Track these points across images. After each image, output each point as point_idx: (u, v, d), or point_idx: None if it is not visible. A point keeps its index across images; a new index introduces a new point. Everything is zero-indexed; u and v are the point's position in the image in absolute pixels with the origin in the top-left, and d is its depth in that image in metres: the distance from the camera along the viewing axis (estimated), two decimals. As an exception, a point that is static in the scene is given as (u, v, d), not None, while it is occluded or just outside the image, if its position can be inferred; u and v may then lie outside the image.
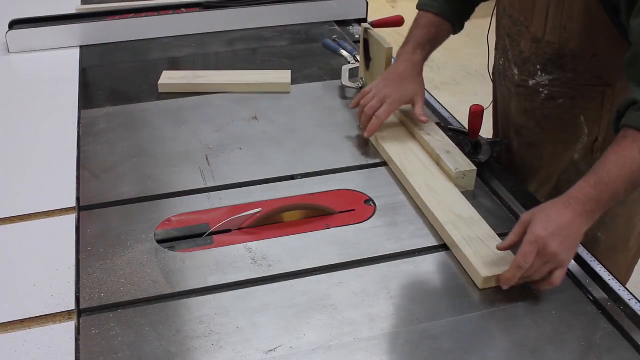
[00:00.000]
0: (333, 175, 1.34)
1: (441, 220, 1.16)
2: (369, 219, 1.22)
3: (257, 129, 1.51)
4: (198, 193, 1.29)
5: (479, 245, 1.10)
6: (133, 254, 1.12)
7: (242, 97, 1.65)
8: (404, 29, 1.80)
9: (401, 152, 1.36)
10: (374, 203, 1.26)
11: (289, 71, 1.72)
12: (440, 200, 1.22)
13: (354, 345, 0.96)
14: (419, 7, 1.51)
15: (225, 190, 1.29)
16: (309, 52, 1.90)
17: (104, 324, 0.99)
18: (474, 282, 1.07)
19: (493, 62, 1.58)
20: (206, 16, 2.04)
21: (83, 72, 1.81)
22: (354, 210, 1.24)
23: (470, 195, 1.27)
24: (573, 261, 1.11)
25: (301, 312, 1.02)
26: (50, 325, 0.99)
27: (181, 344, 0.96)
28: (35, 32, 1.91)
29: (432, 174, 1.29)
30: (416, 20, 1.50)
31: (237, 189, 1.30)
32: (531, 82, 1.38)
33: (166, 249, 1.14)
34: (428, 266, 1.11)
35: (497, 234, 1.17)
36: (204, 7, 2.06)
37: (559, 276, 1.02)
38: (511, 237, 1.06)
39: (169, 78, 1.71)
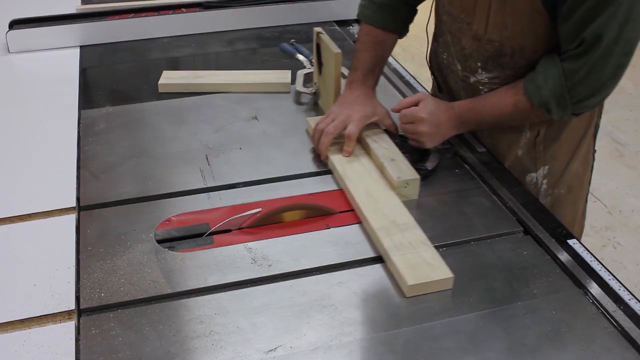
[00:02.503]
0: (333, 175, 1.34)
1: (374, 226, 1.15)
2: (369, 219, 1.22)
3: (257, 129, 1.51)
4: (198, 193, 1.29)
5: (410, 252, 1.09)
6: (133, 254, 1.12)
7: (242, 97, 1.65)
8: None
9: (345, 160, 1.34)
10: (374, 203, 1.26)
11: (289, 71, 1.71)
12: (377, 207, 1.20)
13: (354, 345, 0.96)
14: (360, 16, 1.49)
15: (225, 190, 1.29)
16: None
17: (104, 324, 0.99)
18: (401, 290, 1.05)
19: (429, 53, 1.61)
20: (206, 16, 2.04)
21: (83, 72, 1.81)
22: (353, 210, 1.24)
23: (469, 195, 1.27)
24: (572, 260, 1.11)
25: (301, 312, 1.02)
26: (50, 325, 0.99)
27: (181, 344, 0.96)
28: (35, 32, 1.91)
29: (375, 181, 1.27)
30: (361, 38, 1.48)
31: (237, 189, 1.30)
32: (472, 79, 1.41)
33: (166, 249, 1.14)
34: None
35: (496, 235, 1.18)
36: (204, 7, 2.06)
37: (414, 140, 1.35)
38: (403, 102, 1.35)
39: (169, 78, 1.71)
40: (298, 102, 1.63)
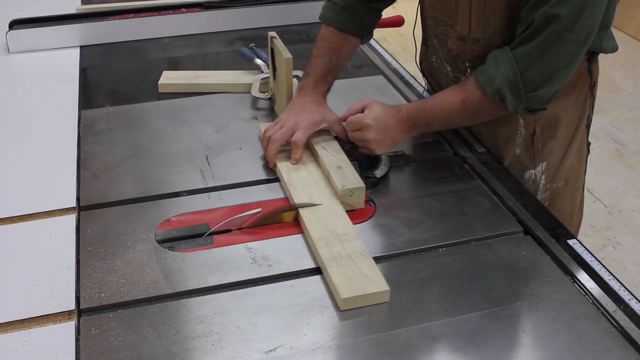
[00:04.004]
0: (333, 175, 1.34)
1: (313, 237, 1.12)
2: (369, 218, 1.22)
3: (257, 129, 1.50)
4: (198, 193, 1.29)
5: (347, 264, 1.07)
6: (133, 254, 1.12)
7: (242, 97, 1.65)
8: (404, 29, 1.80)
9: (292, 167, 1.31)
10: (374, 203, 1.26)
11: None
12: (319, 216, 1.18)
13: (354, 345, 0.96)
14: (322, 18, 1.48)
15: (225, 190, 1.29)
16: (309, 52, 1.90)
17: (104, 324, 0.99)
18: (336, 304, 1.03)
19: (419, 57, 1.61)
20: (206, 16, 2.04)
21: (83, 72, 1.81)
22: (353, 210, 1.24)
23: (469, 195, 1.28)
24: (572, 260, 1.11)
25: (301, 312, 1.02)
26: (50, 325, 0.99)
27: (181, 344, 0.96)
28: (35, 32, 1.91)
29: (320, 190, 1.25)
30: (317, 43, 1.46)
31: (237, 189, 1.30)
32: (463, 79, 1.41)
33: (166, 249, 1.14)
34: (427, 267, 1.11)
35: (496, 235, 1.18)
36: (204, 7, 2.06)
37: (364, 147, 1.32)
38: (350, 110, 1.33)
39: (169, 78, 1.71)
40: (255, 107, 1.61)
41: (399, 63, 1.88)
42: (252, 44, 1.81)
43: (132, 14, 2.02)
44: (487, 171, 1.35)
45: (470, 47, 1.34)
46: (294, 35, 2.02)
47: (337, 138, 1.39)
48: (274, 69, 1.53)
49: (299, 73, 1.52)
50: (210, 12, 2.04)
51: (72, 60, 1.86)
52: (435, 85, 1.59)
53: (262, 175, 1.34)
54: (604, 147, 3.44)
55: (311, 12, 2.09)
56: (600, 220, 2.90)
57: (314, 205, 1.21)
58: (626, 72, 4.14)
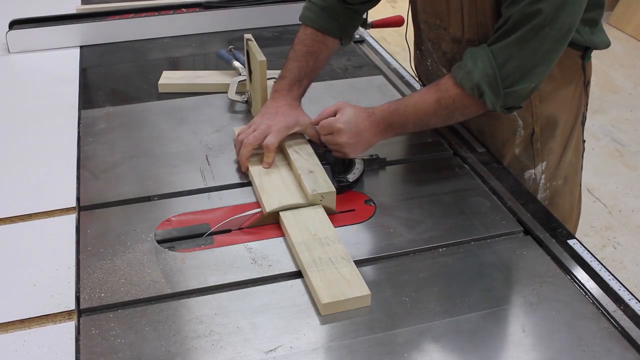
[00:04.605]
0: (333, 175, 1.34)
1: (295, 241, 1.12)
2: (369, 218, 1.22)
3: (257, 129, 1.50)
4: (198, 193, 1.29)
5: (328, 268, 1.06)
6: (133, 254, 1.12)
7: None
8: (404, 29, 1.80)
9: (264, 171, 1.30)
10: (374, 203, 1.26)
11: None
12: (300, 219, 1.17)
13: (355, 345, 0.96)
14: (301, 18, 1.47)
15: (225, 190, 1.29)
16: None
17: (104, 324, 0.99)
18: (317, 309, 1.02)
19: (414, 62, 1.61)
20: (206, 16, 2.04)
21: (83, 72, 1.81)
22: (354, 210, 1.24)
23: (469, 195, 1.28)
24: (572, 260, 1.11)
25: (301, 312, 1.02)
26: (50, 325, 0.99)
27: (181, 344, 0.96)
28: (35, 32, 1.91)
29: (291, 194, 1.23)
30: (295, 46, 1.45)
31: (237, 189, 1.30)
32: None
33: (166, 249, 1.14)
34: (427, 267, 1.11)
35: (496, 235, 1.18)
36: (204, 7, 2.06)
37: (336, 151, 1.30)
38: (323, 113, 1.31)
39: (169, 78, 1.71)
40: (232, 110, 1.60)
41: (399, 63, 1.88)
42: (231, 46, 1.80)
43: (132, 14, 2.02)
44: (487, 171, 1.35)
45: (465, 48, 1.34)
46: (293, 35, 2.00)
47: (310, 141, 1.37)
48: (250, 72, 1.52)
49: (277, 75, 1.52)
50: (210, 12, 2.05)
51: (72, 60, 1.86)
52: None
53: (262, 175, 1.34)
54: (604, 147, 3.44)
55: (311, 12, 2.09)
56: (600, 220, 2.90)
57: (314, 205, 1.21)
58: (626, 72, 4.14)
